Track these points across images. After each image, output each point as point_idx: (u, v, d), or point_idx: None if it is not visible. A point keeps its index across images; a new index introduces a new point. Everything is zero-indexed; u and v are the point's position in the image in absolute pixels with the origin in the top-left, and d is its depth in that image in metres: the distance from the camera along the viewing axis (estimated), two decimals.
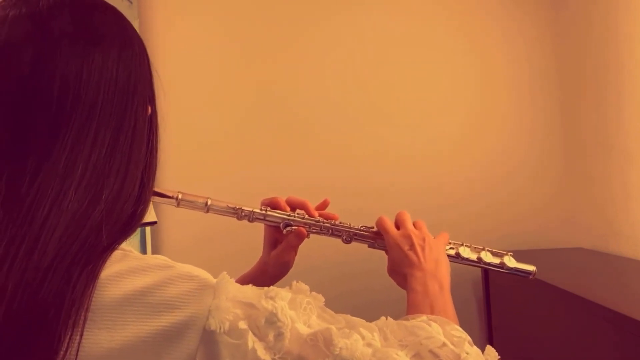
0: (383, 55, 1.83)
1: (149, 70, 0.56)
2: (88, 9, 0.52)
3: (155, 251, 1.71)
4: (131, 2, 1.72)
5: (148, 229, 1.66)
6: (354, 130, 1.80)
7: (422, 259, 0.71)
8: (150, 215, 1.12)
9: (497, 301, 1.58)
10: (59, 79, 0.47)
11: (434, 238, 0.76)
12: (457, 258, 0.81)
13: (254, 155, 1.78)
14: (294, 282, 0.53)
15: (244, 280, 0.82)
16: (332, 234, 0.80)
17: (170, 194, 0.74)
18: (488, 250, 0.82)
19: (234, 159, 1.78)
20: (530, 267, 0.83)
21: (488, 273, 1.62)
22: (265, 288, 0.50)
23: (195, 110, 1.79)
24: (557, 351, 1.22)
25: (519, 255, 0.86)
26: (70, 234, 0.44)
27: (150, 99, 0.57)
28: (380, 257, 0.81)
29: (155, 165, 0.58)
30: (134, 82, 0.52)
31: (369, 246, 0.82)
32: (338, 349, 0.46)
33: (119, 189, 0.50)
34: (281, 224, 0.79)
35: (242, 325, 0.46)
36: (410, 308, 0.65)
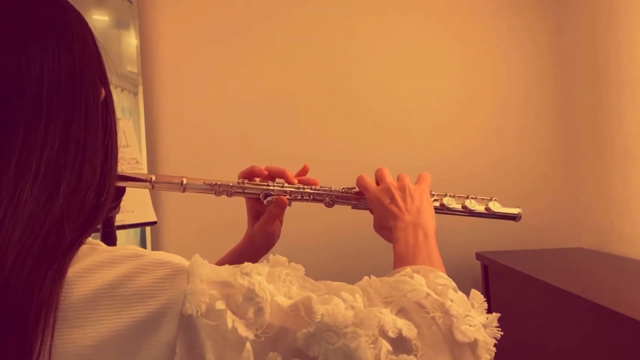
0: (383, 51, 1.83)
1: (97, 52, 0.53)
2: None
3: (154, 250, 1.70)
4: (131, 2, 1.72)
5: (148, 229, 1.66)
6: (353, 119, 1.81)
7: (403, 210, 0.70)
8: (150, 215, 1.12)
9: (497, 301, 1.58)
10: None
11: (415, 183, 0.75)
12: (442, 209, 0.80)
13: (254, 146, 1.78)
14: (271, 255, 0.52)
15: (231, 255, 0.81)
16: (314, 199, 0.79)
17: (143, 178, 0.72)
18: (472, 197, 0.81)
19: (234, 151, 1.78)
20: (516, 210, 0.83)
21: (488, 272, 1.62)
22: (240, 265, 0.49)
23: (195, 107, 1.78)
24: (557, 351, 1.22)
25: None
26: (29, 234, 0.42)
27: (102, 80, 0.53)
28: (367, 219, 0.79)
29: (117, 151, 0.55)
30: (79, 67, 0.49)
31: (352, 207, 0.81)
32: (319, 316, 0.46)
33: (77, 180, 0.47)
34: (261, 195, 0.77)
35: (220, 305, 0.45)
36: (396, 260, 0.64)
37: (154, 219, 1.10)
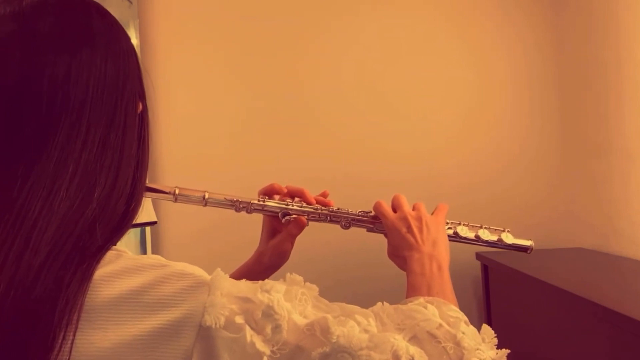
0: (384, 54, 1.83)
1: (137, 66, 0.56)
2: (72, 7, 0.52)
3: (155, 251, 1.71)
4: (131, 2, 1.72)
5: (148, 229, 1.66)
6: (354, 125, 1.80)
7: (419, 241, 0.71)
8: (150, 216, 1.12)
9: (497, 301, 1.58)
10: (47, 79, 0.47)
11: (432, 214, 0.77)
12: (455, 237, 0.81)
13: (253, 150, 1.78)
14: (288, 274, 0.53)
15: (240, 272, 0.83)
16: (331, 221, 0.80)
17: (167, 190, 0.74)
18: (486, 227, 0.83)
19: (234, 155, 1.78)
20: (528, 242, 0.84)
21: (488, 272, 1.62)
22: (260, 282, 0.50)
23: (194, 108, 1.78)
24: (558, 351, 1.22)
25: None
26: (62, 233, 0.44)
27: (140, 95, 0.56)
28: (379, 243, 0.81)
29: (147, 162, 0.57)
30: (122, 78, 0.52)
31: (367, 230, 0.82)
32: (335, 337, 0.47)
33: (111, 186, 0.49)
34: (279, 213, 0.79)
35: (239, 320, 0.46)
36: (409, 290, 0.66)
37: (154, 219, 1.10)
